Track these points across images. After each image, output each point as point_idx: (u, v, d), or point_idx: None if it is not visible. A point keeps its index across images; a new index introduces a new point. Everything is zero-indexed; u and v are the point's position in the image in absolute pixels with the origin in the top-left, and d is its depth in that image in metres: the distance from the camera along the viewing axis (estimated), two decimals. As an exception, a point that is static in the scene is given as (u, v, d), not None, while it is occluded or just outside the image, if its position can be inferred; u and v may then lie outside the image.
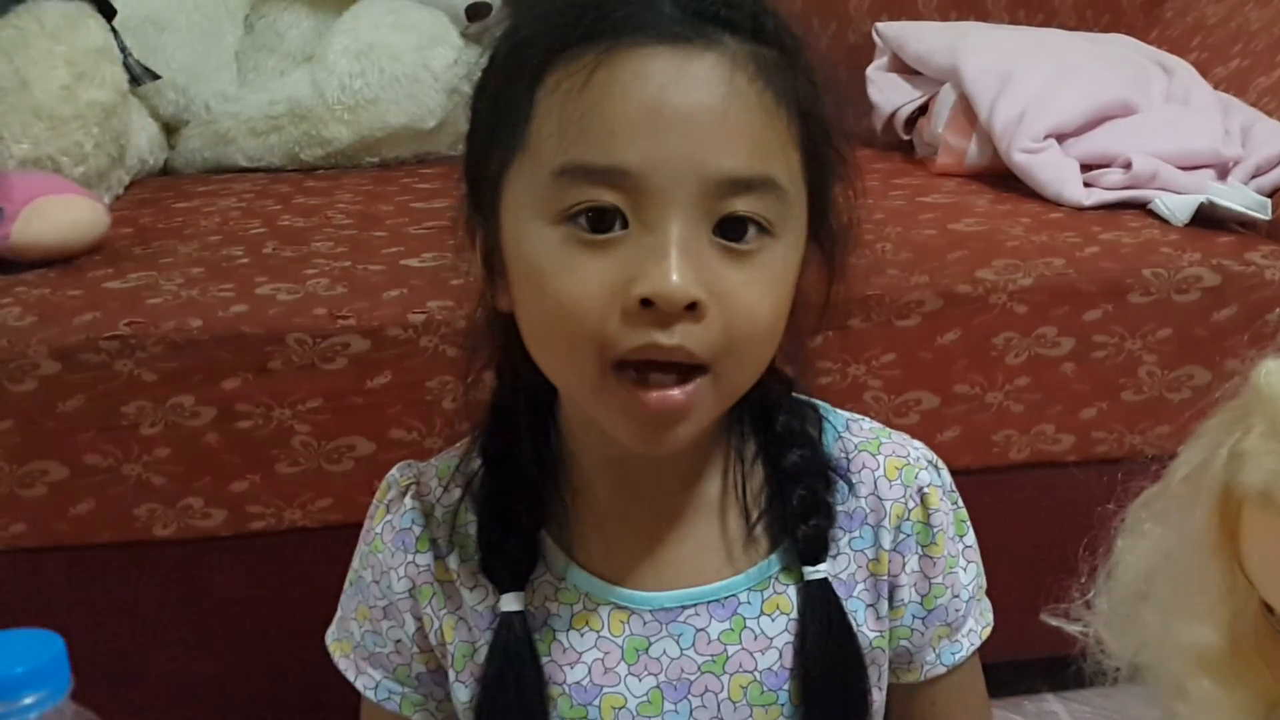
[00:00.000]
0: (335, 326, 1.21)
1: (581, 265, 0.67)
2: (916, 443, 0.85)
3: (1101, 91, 1.67)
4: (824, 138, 0.73)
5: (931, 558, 0.82)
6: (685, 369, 0.68)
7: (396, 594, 0.82)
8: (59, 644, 0.52)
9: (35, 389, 1.18)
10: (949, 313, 1.33)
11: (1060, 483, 1.40)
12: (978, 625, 0.86)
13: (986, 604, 0.87)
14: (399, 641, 0.83)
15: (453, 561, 0.81)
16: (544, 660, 0.79)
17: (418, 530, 0.82)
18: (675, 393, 0.68)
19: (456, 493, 0.82)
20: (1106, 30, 2.07)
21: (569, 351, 0.69)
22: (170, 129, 1.80)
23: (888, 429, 0.86)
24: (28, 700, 0.50)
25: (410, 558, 0.82)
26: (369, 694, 0.85)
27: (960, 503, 0.85)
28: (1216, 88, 1.79)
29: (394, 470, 0.86)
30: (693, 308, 0.66)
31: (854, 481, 0.82)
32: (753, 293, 0.69)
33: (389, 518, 0.83)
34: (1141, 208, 1.52)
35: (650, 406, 0.68)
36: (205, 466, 1.23)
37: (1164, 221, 1.48)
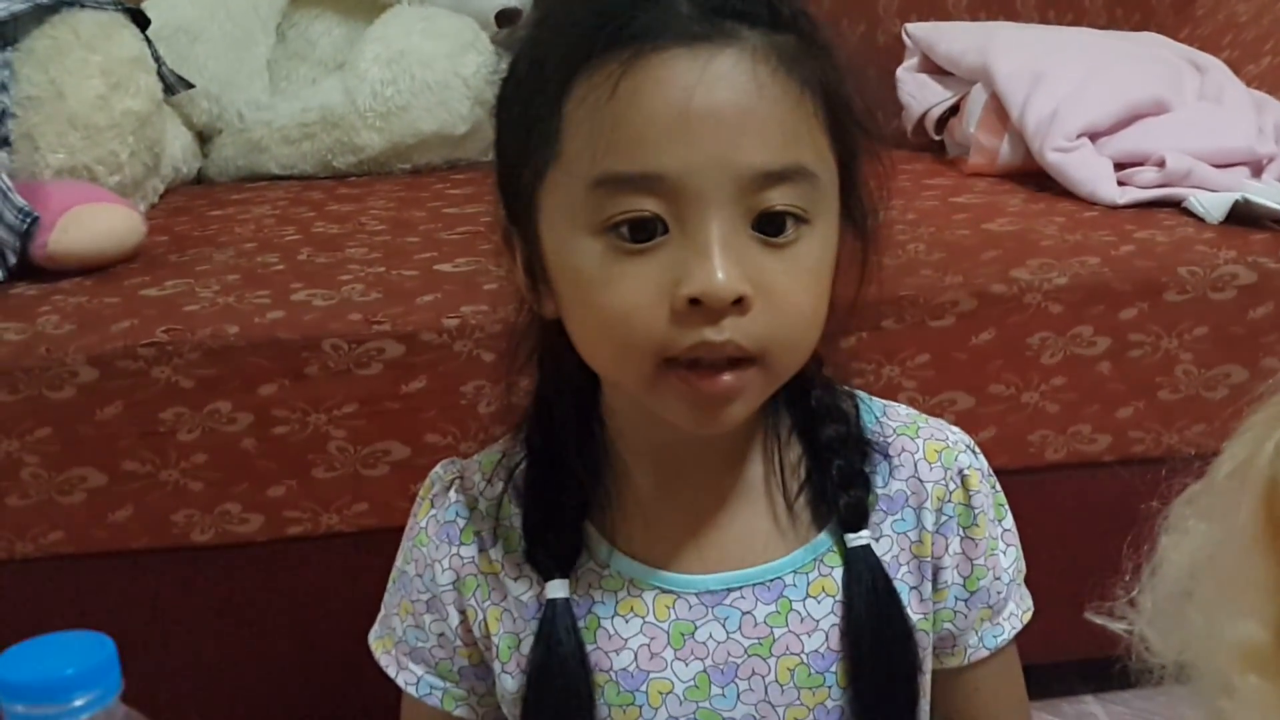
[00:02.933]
0: (370, 332, 1.22)
1: (626, 274, 0.68)
2: (954, 427, 0.86)
3: (1134, 90, 1.66)
4: (849, 118, 0.74)
5: (973, 539, 0.83)
6: (734, 360, 0.69)
7: (441, 586, 0.83)
8: (110, 646, 0.52)
9: (74, 396, 1.18)
10: (983, 313, 1.33)
11: (1097, 483, 1.40)
12: (1018, 609, 0.86)
13: (1026, 590, 0.87)
14: (442, 635, 0.84)
15: (496, 553, 0.82)
16: (590, 648, 0.79)
17: (462, 523, 0.83)
18: (726, 376, 0.69)
19: (500, 485, 0.83)
20: (1137, 29, 2.06)
21: (621, 355, 0.71)
22: (204, 137, 1.82)
23: (924, 415, 0.86)
24: (78, 702, 0.50)
25: (455, 550, 0.82)
26: (410, 689, 0.85)
27: (999, 487, 0.85)
28: (1249, 85, 1.78)
29: (438, 467, 0.87)
30: (739, 302, 0.67)
31: (894, 464, 0.82)
32: (795, 281, 0.70)
33: (433, 512, 0.84)
34: (1176, 206, 1.52)
35: (703, 390, 0.69)
36: (242, 472, 1.23)
37: (1199, 219, 1.47)
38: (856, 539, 0.80)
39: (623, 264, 0.68)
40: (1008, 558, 0.85)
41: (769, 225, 0.69)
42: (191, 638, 1.29)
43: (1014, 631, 0.86)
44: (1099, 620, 0.70)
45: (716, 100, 0.67)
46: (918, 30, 1.95)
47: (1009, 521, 0.86)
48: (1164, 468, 0.70)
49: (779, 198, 0.69)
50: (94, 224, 1.33)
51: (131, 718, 0.53)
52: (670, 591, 0.80)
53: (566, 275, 0.72)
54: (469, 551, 0.82)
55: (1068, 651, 1.19)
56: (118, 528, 1.23)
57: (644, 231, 0.68)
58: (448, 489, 0.84)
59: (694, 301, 0.67)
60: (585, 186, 0.69)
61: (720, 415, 0.71)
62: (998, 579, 0.84)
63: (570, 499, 0.80)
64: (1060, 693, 1.51)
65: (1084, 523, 1.37)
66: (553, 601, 0.79)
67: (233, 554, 1.27)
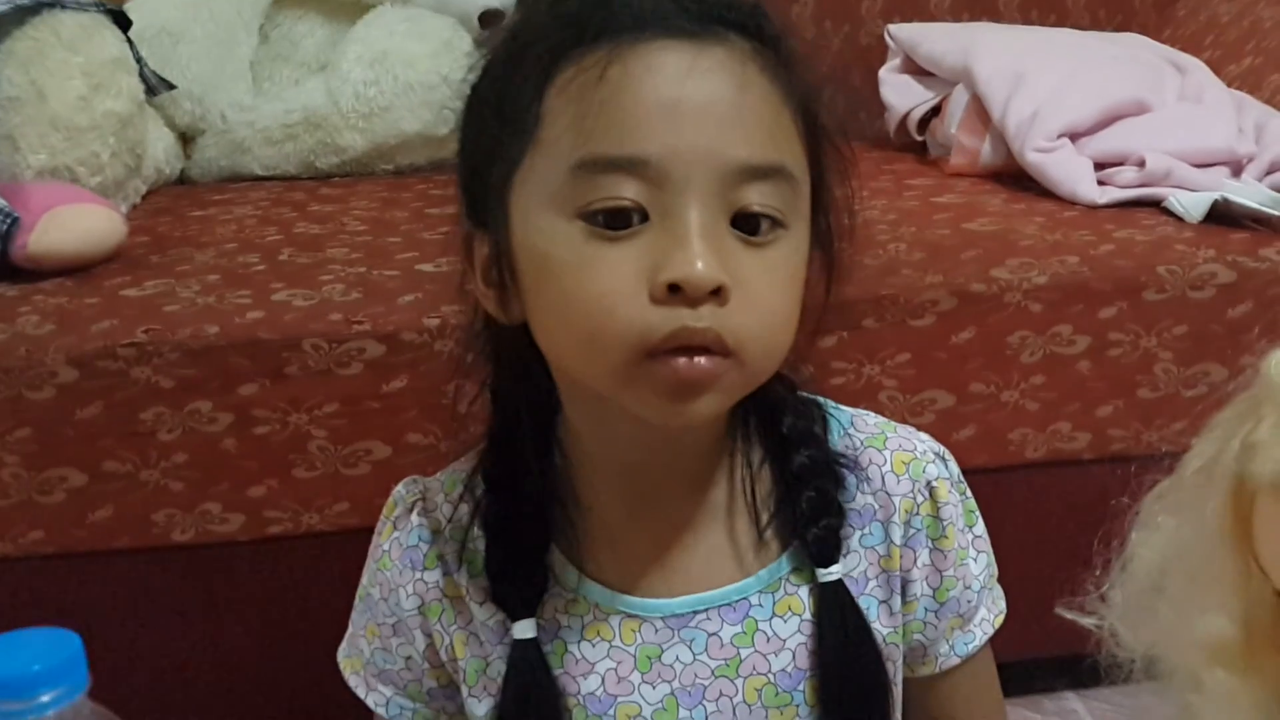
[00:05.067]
0: (351, 332, 1.22)
1: (604, 259, 0.67)
2: (923, 435, 0.85)
3: (1115, 90, 1.66)
4: (824, 136, 0.75)
5: (942, 551, 0.82)
6: (710, 354, 0.68)
7: (406, 611, 0.82)
8: (76, 642, 0.52)
9: (54, 396, 1.18)
10: (963, 312, 1.33)
11: (1077, 481, 1.40)
12: (990, 614, 0.86)
13: (999, 591, 0.87)
14: (409, 658, 0.83)
15: (461, 578, 0.81)
16: (557, 673, 0.79)
17: (425, 547, 0.82)
18: (702, 360, 0.68)
19: (464, 509, 0.81)
20: (1119, 30, 2.06)
21: (596, 344, 0.68)
22: (186, 139, 1.81)
23: (893, 423, 0.85)
24: (45, 698, 0.50)
25: (418, 575, 0.82)
26: (380, 710, 0.85)
27: (968, 493, 0.85)
28: (1229, 85, 1.79)
29: (399, 486, 0.86)
30: (718, 292, 0.67)
31: (862, 478, 0.81)
32: (770, 281, 0.70)
33: (396, 535, 0.83)
34: (1156, 205, 1.52)
35: (680, 372, 0.67)
36: (223, 472, 1.23)
37: (1178, 219, 1.48)
38: (827, 574, 0.79)
39: (600, 250, 0.68)
40: (978, 565, 0.84)
41: (746, 224, 0.69)
42: (172, 637, 1.29)
43: (985, 637, 0.86)
44: (1069, 615, 0.70)
45: (706, 91, 0.68)
46: (900, 31, 1.95)
47: (980, 528, 0.85)
48: (1137, 465, 0.70)
49: (757, 197, 0.69)
50: (75, 225, 1.33)
51: (99, 714, 0.53)
52: (636, 616, 0.79)
53: (539, 263, 0.70)
54: (433, 576, 0.81)
55: (1049, 648, 1.20)
56: (98, 527, 1.22)
57: (621, 220, 0.68)
58: (410, 511, 0.83)
59: (673, 289, 0.66)
60: (566, 170, 0.68)
61: (693, 405, 0.69)
62: (968, 588, 0.84)
63: (532, 535, 0.79)
64: (1041, 689, 1.51)
65: (1065, 521, 1.38)
66: (521, 643, 0.78)
67: (214, 553, 1.26)
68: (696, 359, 0.68)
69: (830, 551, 0.80)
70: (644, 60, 0.68)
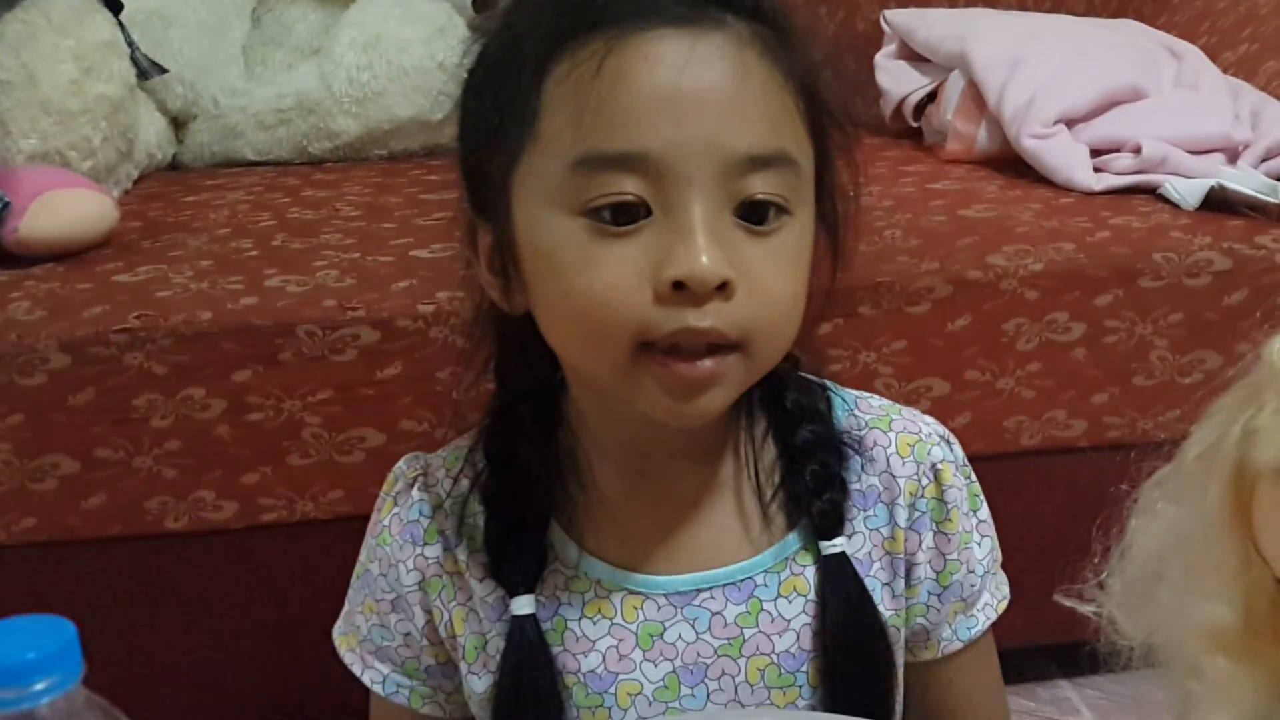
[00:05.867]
0: (345, 318, 1.21)
1: (607, 255, 0.67)
2: (927, 418, 0.85)
3: (1111, 76, 1.66)
4: (826, 114, 0.74)
5: (946, 534, 0.82)
6: (715, 346, 0.68)
7: (406, 587, 0.81)
8: (70, 630, 0.51)
9: (45, 383, 1.18)
10: (959, 299, 1.33)
11: (1072, 468, 1.40)
12: (993, 599, 0.86)
13: (1002, 577, 0.87)
14: (408, 635, 0.83)
15: (461, 553, 0.81)
16: (557, 650, 0.79)
17: (425, 522, 0.82)
18: (706, 362, 0.68)
19: (464, 484, 0.81)
20: (1115, 16, 2.06)
21: (598, 340, 0.69)
22: (178, 123, 1.80)
23: (897, 405, 0.85)
24: (39, 686, 0.50)
25: (419, 550, 0.81)
26: (376, 688, 0.85)
27: (973, 477, 0.85)
28: (1226, 72, 1.79)
29: (400, 463, 0.85)
30: (723, 287, 0.66)
31: (866, 459, 0.81)
32: (777, 270, 0.69)
33: (396, 510, 0.83)
34: (1152, 192, 1.52)
35: (683, 375, 0.68)
36: (216, 459, 1.23)
37: (1174, 206, 1.48)
38: (831, 546, 0.79)
39: (603, 246, 0.67)
40: (982, 549, 0.84)
41: (751, 214, 0.68)
42: (166, 625, 1.29)
43: (988, 622, 0.85)
44: (1068, 603, 0.70)
45: (705, 81, 0.67)
46: (896, 17, 1.95)
47: (984, 512, 0.85)
48: (1135, 452, 0.70)
49: (761, 185, 0.68)
50: (66, 210, 1.32)
51: (94, 703, 0.53)
52: (638, 593, 0.79)
53: (542, 259, 0.70)
54: (433, 551, 0.81)
55: (1043, 636, 1.20)
56: (90, 515, 1.22)
57: (626, 215, 0.67)
58: (411, 486, 0.83)
59: (678, 285, 0.66)
60: (566, 166, 0.68)
61: (698, 402, 0.70)
62: (971, 572, 0.83)
63: (532, 510, 0.79)
64: (1035, 677, 1.52)
65: (1060, 509, 1.38)
66: (519, 619, 0.78)
67: (207, 541, 1.26)
68: (700, 362, 0.68)
69: (834, 525, 0.79)
70: (640, 51, 0.67)
